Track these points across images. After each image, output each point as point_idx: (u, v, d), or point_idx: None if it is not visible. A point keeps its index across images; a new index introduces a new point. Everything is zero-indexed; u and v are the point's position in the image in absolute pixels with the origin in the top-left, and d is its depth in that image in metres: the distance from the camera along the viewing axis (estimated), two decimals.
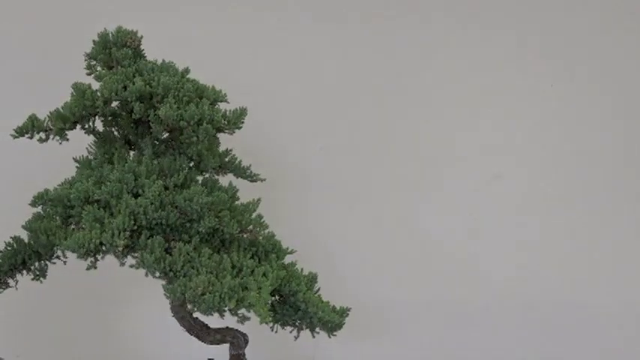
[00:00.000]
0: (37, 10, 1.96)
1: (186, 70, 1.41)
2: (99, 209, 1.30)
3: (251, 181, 1.43)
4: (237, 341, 1.45)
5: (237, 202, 1.38)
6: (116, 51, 1.39)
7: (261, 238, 1.35)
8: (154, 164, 1.35)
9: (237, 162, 1.44)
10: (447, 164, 2.04)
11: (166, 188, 1.32)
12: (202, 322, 1.45)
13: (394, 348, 2.01)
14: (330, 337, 1.42)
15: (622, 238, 2.03)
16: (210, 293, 1.20)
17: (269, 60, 2.02)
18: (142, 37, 1.43)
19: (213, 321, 1.33)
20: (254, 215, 1.35)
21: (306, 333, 1.43)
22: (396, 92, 2.03)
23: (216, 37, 1.99)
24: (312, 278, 1.44)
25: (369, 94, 2.03)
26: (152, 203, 1.27)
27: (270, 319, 1.32)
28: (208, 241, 1.33)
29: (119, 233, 1.25)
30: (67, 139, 1.38)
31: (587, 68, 2.05)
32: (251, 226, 1.32)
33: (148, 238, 1.28)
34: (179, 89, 1.33)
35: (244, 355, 1.45)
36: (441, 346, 2.01)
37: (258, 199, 1.37)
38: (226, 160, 1.44)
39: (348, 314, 1.43)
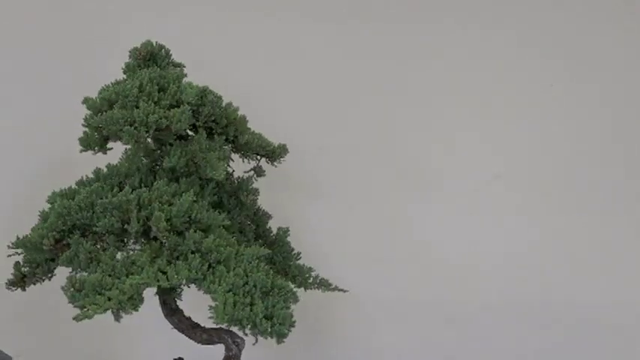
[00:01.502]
0: (37, 10, 1.96)
1: (178, 77, 1.42)
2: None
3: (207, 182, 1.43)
4: (224, 342, 1.43)
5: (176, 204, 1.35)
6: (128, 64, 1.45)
7: (163, 238, 1.32)
8: (121, 169, 1.40)
9: (196, 165, 1.40)
10: (447, 164, 2.04)
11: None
12: (191, 321, 1.45)
13: (394, 348, 2.01)
14: (278, 344, 1.27)
15: (622, 238, 2.03)
16: (76, 290, 1.24)
17: (269, 60, 2.02)
18: (150, 49, 1.45)
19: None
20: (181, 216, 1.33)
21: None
22: (396, 92, 2.03)
23: (216, 37, 1.99)
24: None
25: (369, 94, 2.03)
26: (78, 205, 1.32)
27: (87, 316, 1.25)
28: (135, 240, 1.35)
29: (47, 233, 1.32)
30: (110, 149, 1.39)
31: (587, 68, 2.05)
32: (156, 228, 1.31)
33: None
34: (125, 96, 1.35)
35: (236, 357, 1.43)
36: (441, 346, 2.01)
37: (183, 202, 1.34)
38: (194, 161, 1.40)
39: (293, 325, 1.28)
